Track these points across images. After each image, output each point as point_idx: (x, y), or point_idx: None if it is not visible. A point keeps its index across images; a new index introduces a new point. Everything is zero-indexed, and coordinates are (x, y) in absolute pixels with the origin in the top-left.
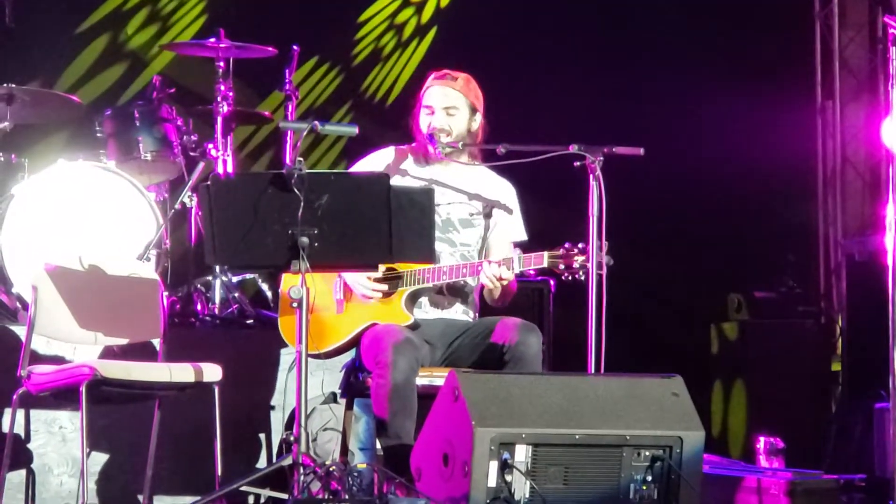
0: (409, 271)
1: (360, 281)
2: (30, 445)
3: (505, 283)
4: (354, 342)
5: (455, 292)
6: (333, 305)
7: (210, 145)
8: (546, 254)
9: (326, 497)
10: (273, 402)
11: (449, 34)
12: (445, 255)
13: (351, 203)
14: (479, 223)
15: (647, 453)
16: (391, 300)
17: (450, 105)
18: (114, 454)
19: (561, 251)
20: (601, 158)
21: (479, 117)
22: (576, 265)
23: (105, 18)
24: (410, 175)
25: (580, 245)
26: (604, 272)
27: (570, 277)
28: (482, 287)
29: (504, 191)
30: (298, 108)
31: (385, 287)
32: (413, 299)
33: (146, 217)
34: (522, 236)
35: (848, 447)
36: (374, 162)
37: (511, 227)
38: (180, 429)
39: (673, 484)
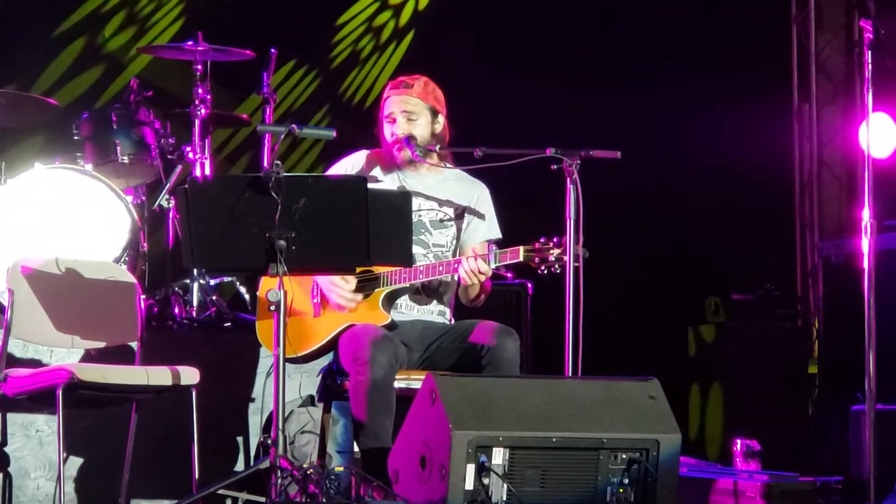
0: (387, 272)
1: (336, 288)
2: (6, 449)
3: (482, 278)
4: (332, 344)
5: (431, 293)
6: (310, 309)
7: (187, 148)
8: (521, 248)
9: (304, 500)
10: (251, 405)
11: (427, 37)
12: (419, 257)
13: (328, 206)
14: (451, 224)
15: (624, 456)
16: (368, 301)
17: (409, 111)
18: (91, 457)
19: (536, 245)
20: (578, 162)
21: (441, 119)
22: (551, 258)
23: (82, 21)
24: (382, 179)
25: (555, 239)
26: (581, 264)
27: (545, 272)
28: (457, 288)
29: (478, 191)
30: (276, 111)
31: (360, 297)
32: (390, 300)
33: (123, 220)
34: (497, 234)
35: (825, 449)
36: (348, 166)
37: (485, 226)
38: (157, 432)
39: (650, 486)
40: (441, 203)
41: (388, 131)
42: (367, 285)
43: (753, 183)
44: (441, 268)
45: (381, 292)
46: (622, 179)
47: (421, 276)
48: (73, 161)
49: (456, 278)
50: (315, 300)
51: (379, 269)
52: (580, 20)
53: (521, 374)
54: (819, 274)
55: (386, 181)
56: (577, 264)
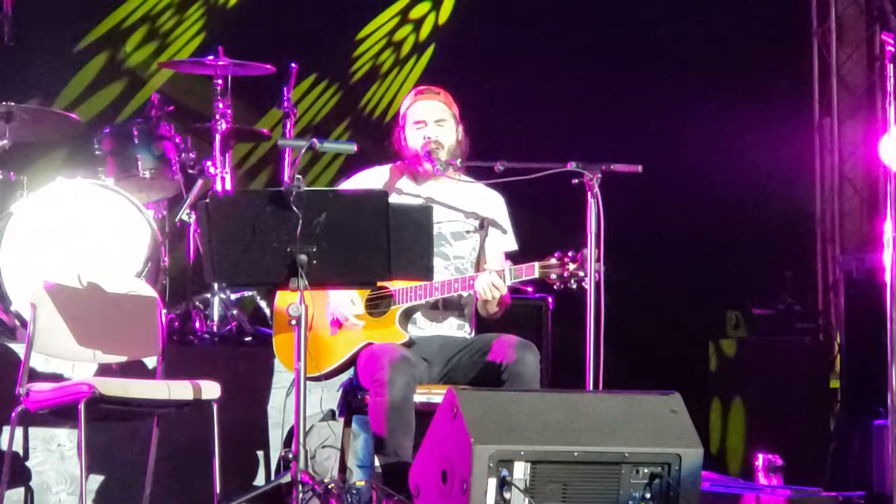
0: (401, 289)
1: (343, 309)
2: (28, 463)
3: (498, 293)
4: (350, 363)
5: (450, 306)
6: (328, 327)
7: (208, 163)
8: (537, 264)
9: None
10: (271, 420)
11: (447, 51)
12: (439, 269)
13: (349, 221)
14: (471, 235)
15: (646, 470)
16: (385, 318)
17: (439, 118)
18: (112, 472)
19: (552, 261)
20: (599, 175)
21: (460, 129)
22: (567, 274)
23: (104, 36)
24: (404, 193)
25: (570, 253)
26: (600, 279)
27: (562, 287)
28: (476, 302)
29: (494, 202)
30: (297, 126)
31: (361, 324)
32: (407, 316)
33: (145, 234)
34: (513, 246)
35: (847, 464)
36: (367, 180)
37: (502, 237)
38: (178, 446)
39: (672, 501)
40: (466, 215)
41: (415, 136)
42: (380, 304)
43: (774, 196)
44: (457, 284)
45: (398, 310)
46: (643, 193)
47: (436, 293)
48: (95, 176)
49: (473, 293)
50: (331, 318)
51: (394, 286)
52: (600, 35)
53: (542, 389)
54: (840, 288)
55: (409, 193)
56: (596, 279)
